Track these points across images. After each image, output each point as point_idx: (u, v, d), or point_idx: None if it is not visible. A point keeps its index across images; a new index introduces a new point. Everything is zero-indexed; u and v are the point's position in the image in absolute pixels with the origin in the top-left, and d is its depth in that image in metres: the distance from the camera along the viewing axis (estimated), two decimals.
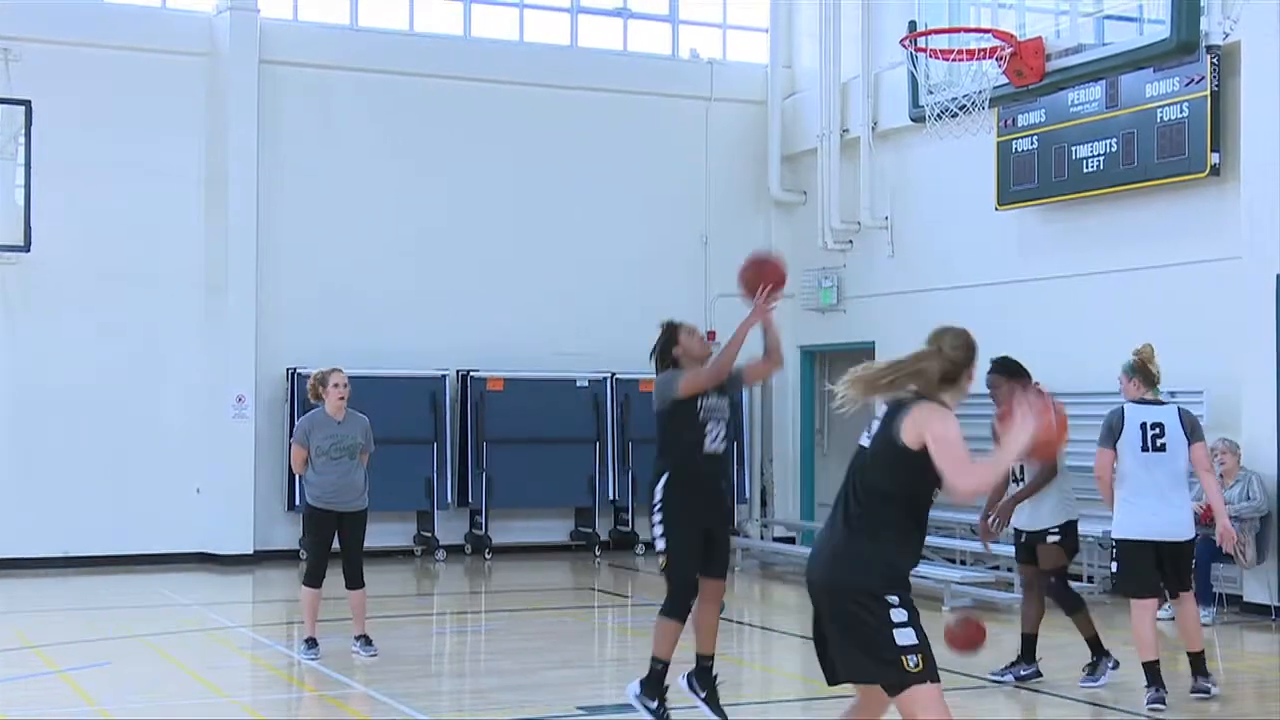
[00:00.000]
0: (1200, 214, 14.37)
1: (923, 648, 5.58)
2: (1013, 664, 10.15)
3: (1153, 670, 9.22)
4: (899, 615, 5.59)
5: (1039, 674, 10.09)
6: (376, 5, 18.92)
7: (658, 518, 8.25)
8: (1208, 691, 9.44)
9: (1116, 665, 9.98)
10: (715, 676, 8.42)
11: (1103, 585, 13.94)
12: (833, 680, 5.78)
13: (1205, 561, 12.66)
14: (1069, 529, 10.04)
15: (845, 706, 6.01)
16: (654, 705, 8.31)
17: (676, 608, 8.24)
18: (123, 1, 18.01)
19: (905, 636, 5.58)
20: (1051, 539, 9.98)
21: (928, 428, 5.61)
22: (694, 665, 8.42)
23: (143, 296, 17.47)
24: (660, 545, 8.23)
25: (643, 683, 8.36)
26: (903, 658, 5.55)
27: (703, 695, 8.36)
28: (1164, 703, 9.15)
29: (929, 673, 5.56)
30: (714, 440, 8.24)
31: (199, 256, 17.74)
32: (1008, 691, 9.95)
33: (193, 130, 17.79)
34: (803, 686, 10.78)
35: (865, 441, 5.81)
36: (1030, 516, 10.04)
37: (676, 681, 8.46)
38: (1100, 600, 13.36)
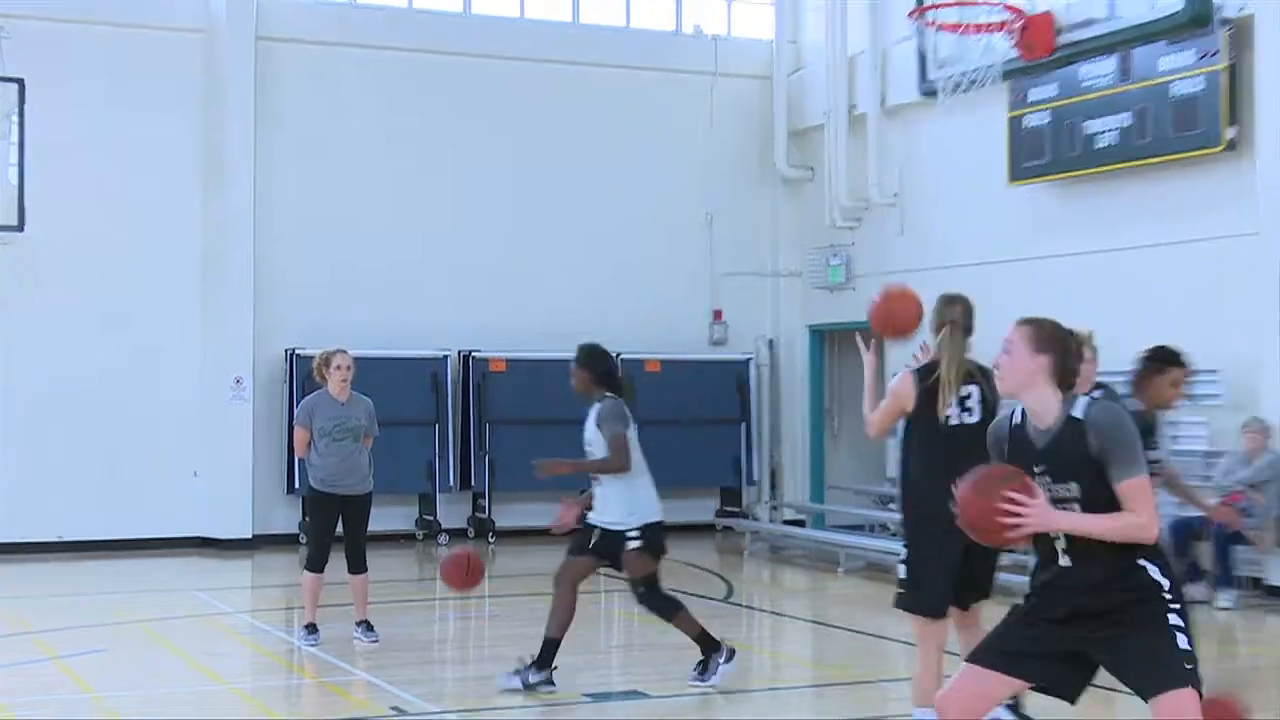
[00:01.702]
0: (1216, 189, 14.09)
1: None
2: (528, 666, 9.17)
3: None
4: None
5: (552, 682, 9.11)
6: None
7: None
8: None
9: (733, 654, 9.10)
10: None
11: None
12: None
13: (1226, 544, 12.54)
14: (651, 530, 8.96)
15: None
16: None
17: None
18: None
19: None
20: (633, 544, 8.91)
21: None
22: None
23: (139, 277, 17.25)
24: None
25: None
26: None
27: None
28: None
29: None
30: None
31: (196, 236, 17.52)
32: None
33: (189, 108, 17.55)
34: (813, 672, 10.61)
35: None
36: (602, 511, 9.05)
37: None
38: None
